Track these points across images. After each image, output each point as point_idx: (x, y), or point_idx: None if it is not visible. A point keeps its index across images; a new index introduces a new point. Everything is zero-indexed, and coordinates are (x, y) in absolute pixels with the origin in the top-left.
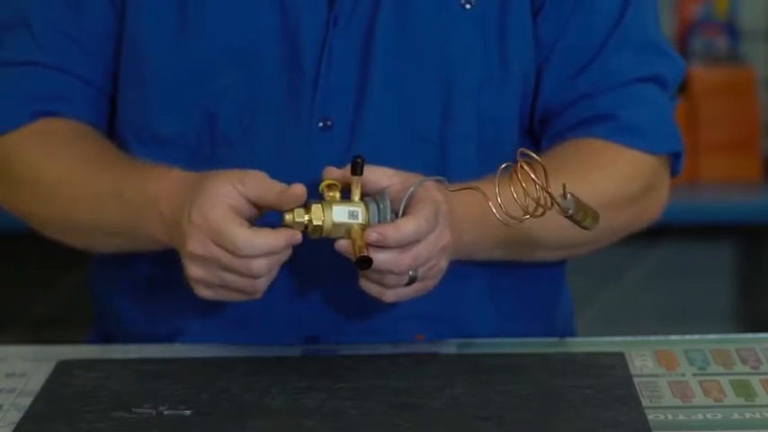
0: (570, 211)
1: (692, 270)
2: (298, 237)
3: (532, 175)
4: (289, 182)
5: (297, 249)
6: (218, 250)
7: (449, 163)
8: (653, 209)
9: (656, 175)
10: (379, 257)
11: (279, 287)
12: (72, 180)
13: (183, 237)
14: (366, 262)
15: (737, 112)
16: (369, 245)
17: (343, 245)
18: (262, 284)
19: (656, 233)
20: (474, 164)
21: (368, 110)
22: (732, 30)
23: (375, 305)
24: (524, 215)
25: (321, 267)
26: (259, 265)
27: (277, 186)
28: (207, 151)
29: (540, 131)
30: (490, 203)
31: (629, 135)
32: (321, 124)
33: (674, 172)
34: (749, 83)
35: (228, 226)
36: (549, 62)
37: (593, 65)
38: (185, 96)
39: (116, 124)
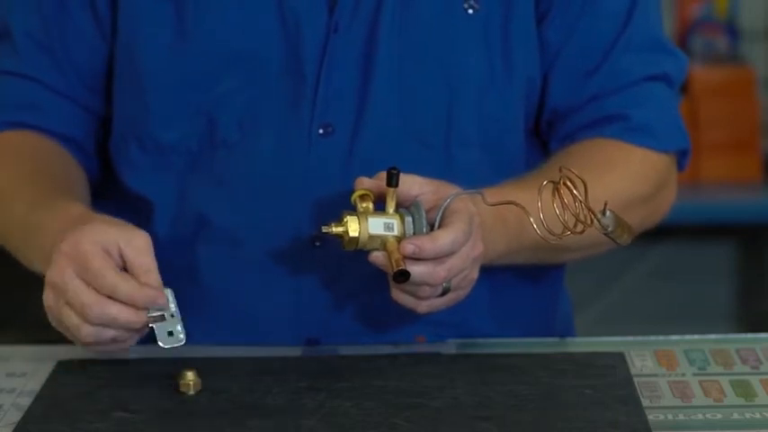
0: (610, 228)
1: (692, 270)
2: (142, 318)
3: (575, 191)
4: (289, 187)
5: (297, 254)
6: (75, 282)
7: (453, 167)
8: (664, 206)
9: (667, 173)
10: (415, 269)
11: (280, 290)
12: (4, 197)
13: (50, 264)
14: (404, 275)
15: (737, 112)
16: (405, 257)
17: (378, 257)
18: (87, 336)
19: (656, 233)
20: (478, 168)
21: (370, 115)
22: (732, 30)
23: (377, 309)
24: (565, 231)
25: (322, 271)
26: (97, 314)
27: (152, 273)
28: (207, 156)
29: (547, 133)
30: (531, 219)
31: (640, 134)
32: (321, 130)
33: (679, 168)
34: (749, 83)
35: (99, 261)
36: (556, 65)
37: (602, 67)
38: (186, 103)
39: (115, 134)
